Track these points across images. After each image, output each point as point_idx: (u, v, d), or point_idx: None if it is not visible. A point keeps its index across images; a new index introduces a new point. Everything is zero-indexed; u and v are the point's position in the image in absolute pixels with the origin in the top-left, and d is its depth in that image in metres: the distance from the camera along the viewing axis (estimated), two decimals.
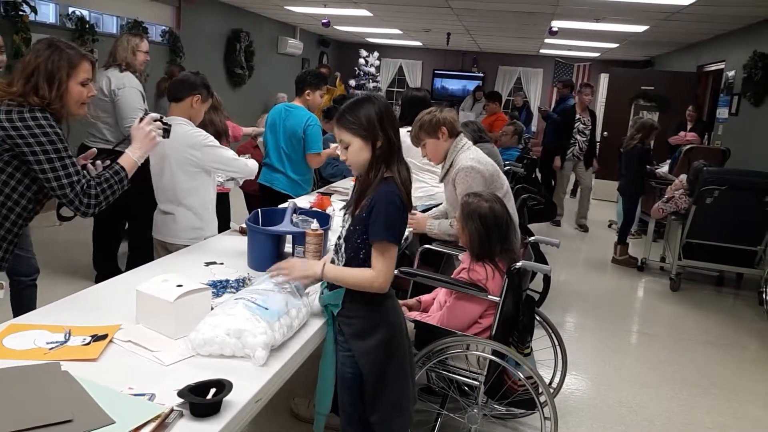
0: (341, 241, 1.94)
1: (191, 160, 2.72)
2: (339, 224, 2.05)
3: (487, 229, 2.46)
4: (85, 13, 6.80)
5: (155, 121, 2.26)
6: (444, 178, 3.01)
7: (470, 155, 2.92)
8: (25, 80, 1.96)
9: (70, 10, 6.59)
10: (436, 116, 2.93)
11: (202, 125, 2.90)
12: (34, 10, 5.82)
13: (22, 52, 5.58)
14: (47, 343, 1.65)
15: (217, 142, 2.79)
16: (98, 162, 2.23)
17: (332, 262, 1.98)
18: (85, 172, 2.08)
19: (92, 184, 2.04)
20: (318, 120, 3.88)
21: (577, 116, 7.18)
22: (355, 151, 1.86)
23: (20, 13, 5.66)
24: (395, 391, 1.93)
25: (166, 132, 2.33)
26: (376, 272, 1.82)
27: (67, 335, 1.70)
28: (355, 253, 1.87)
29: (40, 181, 2.00)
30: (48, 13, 6.43)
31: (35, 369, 1.50)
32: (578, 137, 7.23)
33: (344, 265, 1.91)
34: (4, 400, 1.35)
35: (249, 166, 2.85)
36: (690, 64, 9.50)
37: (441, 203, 3.32)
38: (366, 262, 1.85)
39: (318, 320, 1.98)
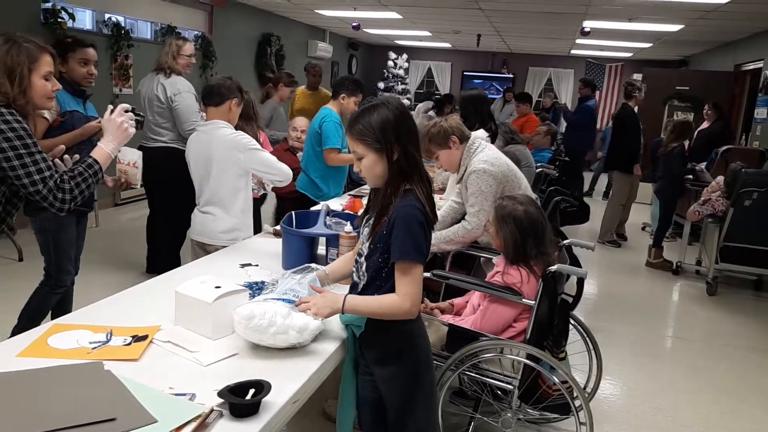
0: (362, 259, 1.80)
1: (235, 162, 2.76)
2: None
3: (522, 232, 2.43)
4: (121, 19, 6.95)
5: (127, 111, 2.17)
6: (461, 181, 3.00)
7: (482, 157, 2.90)
8: None
9: (106, 16, 6.74)
10: (443, 127, 2.90)
11: None
12: (72, 17, 5.97)
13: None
14: (90, 343, 1.68)
15: (258, 146, 2.82)
16: (66, 157, 2.16)
17: (353, 281, 1.88)
18: (55, 168, 2.00)
19: (65, 178, 1.95)
20: (336, 116, 3.90)
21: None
22: (369, 165, 1.71)
23: (59, 20, 5.81)
24: (422, 420, 1.82)
25: (139, 123, 2.26)
26: (402, 297, 1.67)
27: (109, 335, 1.73)
28: (377, 273, 1.74)
29: (9, 181, 1.92)
30: (85, 20, 6.60)
31: (79, 368, 1.54)
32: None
33: (366, 284, 1.79)
34: (50, 398, 1.39)
35: (287, 171, 2.85)
36: (726, 63, 9.29)
37: None
38: (389, 281, 1.73)
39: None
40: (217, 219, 2.83)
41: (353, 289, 1.88)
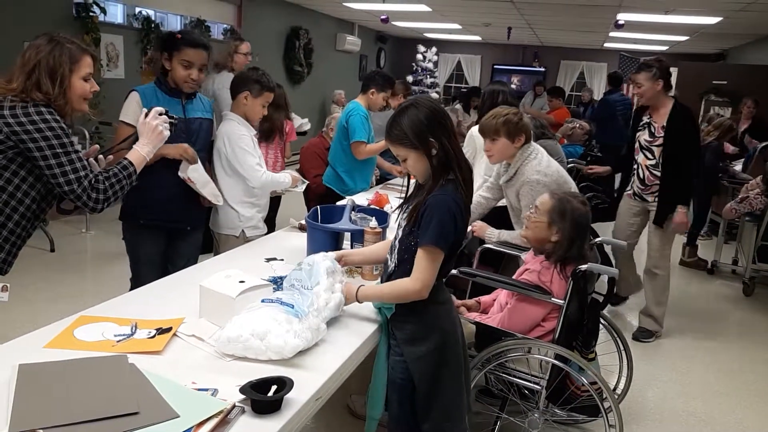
0: (396, 242, 1.89)
1: (224, 153, 2.84)
2: (393, 223, 2.03)
3: (581, 232, 2.38)
4: (151, 12, 7.02)
5: (161, 115, 2.19)
6: (508, 182, 2.94)
7: (535, 166, 2.83)
8: (26, 77, 1.89)
9: (137, 10, 6.81)
10: (522, 121, 2.85)
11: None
12: (103, 10, 6.05)
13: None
14: (115, 336, 1.69)
15: (250, 147, 2.86)
16: (101, 157, 2.18)
17: (385, 262, 1.96)
18: (90, 168, 2.01)
19: (100, 178, 1.99)
20: (364, 110, 3.87)
21: (645, 120, 3.83)
22: (413, 164, 1.81)
23: (91, 14, 5.89)
24: (448, 400, 1.88)
25: (173, 126, 2.28)
26: (415, 279, 1.76)
27: (134, 328, 1.74)
28: (409, 255, 1.81)
29: (45, 179, 1.95)
30: (116, 14, 6.68)
31: (104, 361, 1.54)
32: (639, 158, 3.85)
33: (396, 266, 1.87)
34: (75, 391, 1.39)
35: (262, 179, 2.87)
36: (767, 58, 9.00)
37: None
38: None
39: (376, 318, 1.96)
40: (218, 207, 2.91)
41: (385, 270, 1.97)
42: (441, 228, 1.73)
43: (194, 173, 2.62)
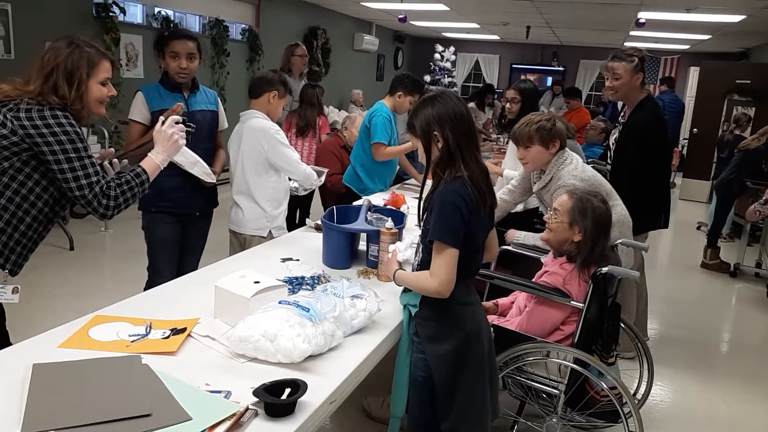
0: (418, 239, 1.91)
1: (259, 151, 2.84)
2: (413, 223, 2.03)
3: (603, 231, 2.33)
4: (170, 12, 7.06)
5: (177, 123, 2.19)
6: (543, 189, 2.88)
7: (572, 171, 2.77)
8: (44, 79, 1.89)
9: (156, 10, 6.86)
10: (556, 126, 2.80)
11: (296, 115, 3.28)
12: (123, 10, 6.09)
13: (113, 50, 5.86)
14: (129, 336, 1.69)
15: (286, 141, 2.91)
16: (115, 161, 2.17)
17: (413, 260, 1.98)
18: (103, 172, 2.02)
19: (112, 185, 1.97)
20: (388, 111, 3.85)
21: (621, 120, 3.57)
22: (421, 154, 1.86)
23: (110, 14, 5.94)
24: (468, 401, 1.87)
25: (190, 134, 2.29)
26: (432, 276, 1.76)
27: (148, 328, 1.73)
28: (429, 254, 1.80)
29: (57, 183, 1.94)
30: (136, 14, 6.72)
31: (118, 361, 1.54)
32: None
33: (419, 264, 1.88)
34: (88, 391, 1.39)
35: (306, 172, 2.94)
36: None
37: None
38: None
39: (392, 322, 1.95)
40: (242, 207, 2.93)
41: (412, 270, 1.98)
42: (443, 222, 1.73)
43: (179, 157, 2.61)
